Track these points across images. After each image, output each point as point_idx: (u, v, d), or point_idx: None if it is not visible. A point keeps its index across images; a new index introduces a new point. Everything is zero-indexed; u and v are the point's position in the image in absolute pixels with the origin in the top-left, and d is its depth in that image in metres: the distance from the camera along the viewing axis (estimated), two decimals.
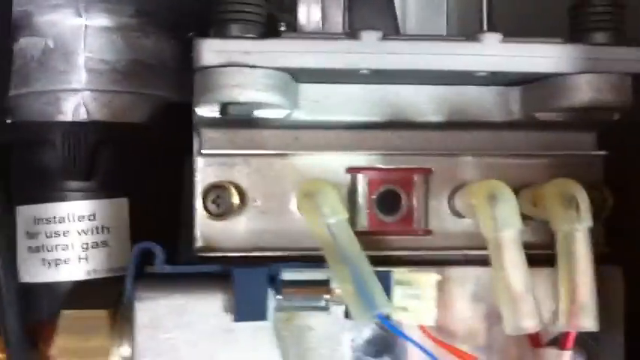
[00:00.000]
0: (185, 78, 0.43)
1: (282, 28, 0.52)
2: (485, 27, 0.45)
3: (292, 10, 0.53)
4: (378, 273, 0.38)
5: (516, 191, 0.41)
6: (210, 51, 0.38)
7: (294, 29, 0.53)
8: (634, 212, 0.46)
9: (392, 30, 0.56)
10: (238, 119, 0.40)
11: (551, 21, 0.46)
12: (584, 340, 0.42)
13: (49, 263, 0.48)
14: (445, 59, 0.39)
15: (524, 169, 0.43)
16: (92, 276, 0.47)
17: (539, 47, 0.40)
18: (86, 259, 0.48)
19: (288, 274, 0.38)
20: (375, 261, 0.40)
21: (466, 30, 0.63)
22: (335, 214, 0.38)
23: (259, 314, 0.37)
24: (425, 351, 0.38)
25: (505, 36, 0.40)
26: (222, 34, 0.39)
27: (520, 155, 0.43)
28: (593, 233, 0.41)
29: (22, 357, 0.42)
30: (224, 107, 0.39)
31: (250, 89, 0.38)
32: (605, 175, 0.44)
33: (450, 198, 0.43)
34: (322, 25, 0.54)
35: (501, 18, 0.49)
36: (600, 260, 0.42)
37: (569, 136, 0.43)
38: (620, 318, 0.43)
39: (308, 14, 0.52)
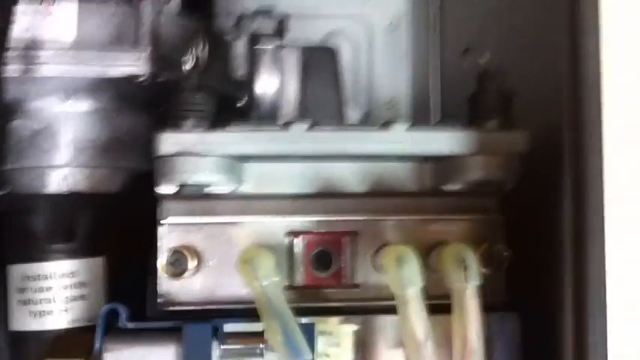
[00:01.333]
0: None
1: (240, 104, 0.58)
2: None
3: (250, 87, 0.57)
4: (303, 325, 0.43)
5: (430, 249, 0.47)
6: (167, 142, 0.44)
7: (251, 104, 0.57)
8: (531, 265, 0.50)
9: (337, 104, 0.63)
10: (193, 195, 0.46)
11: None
12: None
13: (35, 314, 0.51)
14: (359, 146, 0.45)
15: (437, 230, 0.48)
16: (73, 325, 0.50)
17: (438, 134, 0.46)
18: (66, 310, 0.51)
19: (229, 327, 0.43)
20: (311, 310, 0.45)
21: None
22: (268, 277, 0.43)
23: None
24: None
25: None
26: (176, 127, 0.45)
27: (433, 220, 0.48)
28: (495, 284, 0.47)
29: None
30: (179, 187, 0.45)
31: (200, 173, 0.44)
32: (507, 234, 0.48)
33: (374, 256, 0.48)
34: (279, 99, 0.58)
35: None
36: (501, 307, 0.47)
37: (475, 202, 0.48)
38: (516, 354, 0.47)
39: (265, 90, 0.58)
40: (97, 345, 0.43)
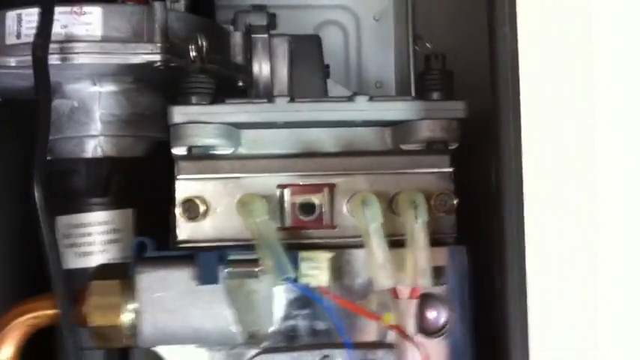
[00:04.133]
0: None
1: (240, 84, 0.67)
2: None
3: (248, 70, 0.66)
4: (289, 253, 0.50)
5: (392, 198, 0.55)
6: (178, 113, 0.53)
7: (250, 84, 0.66)
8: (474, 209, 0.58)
9: (320, 82, 0.72)
10: (201, 155, 0.54)
11: None
12: (441, 298, 0.54)
13: (79, 255, 0.59)
14: (331, 114, 0.54)
15: (398, 182, 0.55)
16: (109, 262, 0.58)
17: (393, 103, 0.54)
18: (104, 251, 0.59)
19: (232, 256, 0.51)
20: (297, 247, 0.52)
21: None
22: (260, 216, 0.51)
23: (213, 280, 0.50)
24: (315, 298, 0.52)
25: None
26: (185, 101, 0.53)
27: (394, 174, 0.55)
28: (446, 225, 0.55)
29: (69, 313, 0.51)
30: (189, 149, 0.53)
31: (204, 137, 0.52)
32: (455, 184, 0.56)
33: (347, 203, 0.55)
34: (272, 80, 0.67)
35: None
36: (451, 242, 0.55)
37: (428, 159, 0.56)
38: (466, 280, 0.55)
39: (260, 73, 0.66)
40: (131, 269, 0.51)
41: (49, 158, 0.59)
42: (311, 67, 0.70)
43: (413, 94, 0.75)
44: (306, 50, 0.71)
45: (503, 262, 0.50)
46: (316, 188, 0.55)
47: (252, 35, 0.66)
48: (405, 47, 0.92)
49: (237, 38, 0.65)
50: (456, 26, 0.76)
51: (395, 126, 0.56)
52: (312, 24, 0.94)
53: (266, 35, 0.67)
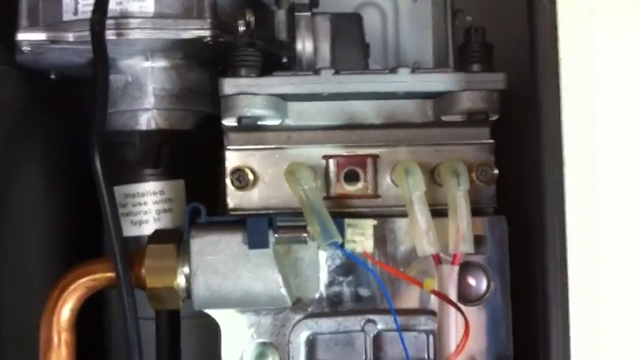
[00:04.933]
0: (217, 98, 0.55)
1: (284, 60, 0.67)
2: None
3: (292, 47, 0.67)
4: (335, 220, 0.51)
5: (434, 168, 0.56)
6: (228, 85, 0.54)
7: (294, 61, 0.67)
8: (516, 180, 0.59)
9: (361, 59, 0.73)
10: (250, 126, 0.55)
11: None
12: (482, 266, 0.56)
13: (135, 223, 0.60)
14: (374, 85, 0.55)
15: (439, 154, 0.56)
16: None
17: (435, 75, 0.55)
18: (159, 219, 0.60)
19: (280, 222, 0.53)
20: (343, 215, 0.53)
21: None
22: (307, 183, 0.52)
23: (263, 244, 0.52)
24: (361, 263, 0.53)
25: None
26: (235, 74, 0.54)
27: (437, 144, 0.56)
28: (487, 195, 0.56)
29: (126, 275, 0.52)
30: (239, 119, 0.55)
31: (253, 108, 0.54)
32: (496, 156, 0.57)
33: (391, 173, 0.56)
34: (315, 56, 0.68)
35: None
36: (493, 212, 0.56)
37: (469, 131, 0.56)
38: (506, 249, 0.56)
39: (303, 50, 0.68)
40: (184, 233, 0.53)
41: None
42: (352, 44, 0.71)
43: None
44: (348, 28, 0.71)
45: (543, 232, 0.51)
46: (360, 159, 0.56)
47: (296, 13, 0.68)
48: (442, 27, 0.92)
49: (280, 16, 0.67)
50: (491, 2, 0.76)
51: (436, 98, 0.57)
52: (350, 6, 0.95)
53: (309, 13, 0.68)
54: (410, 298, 0.56)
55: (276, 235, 0.53)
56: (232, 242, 0.53)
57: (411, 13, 0.95)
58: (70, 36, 0.59)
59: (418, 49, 0.95)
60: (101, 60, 0.55)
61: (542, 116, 0.50)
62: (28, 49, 0.60)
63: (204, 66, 0.64)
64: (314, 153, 0.56)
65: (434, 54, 0.95)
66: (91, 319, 0.58)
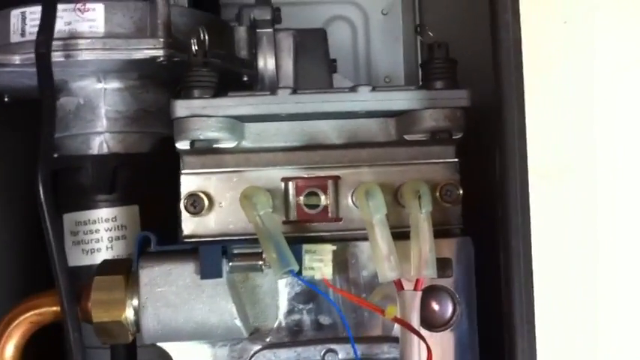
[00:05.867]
0: None
1: (245, 79, 0.66)
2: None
3: (253, 65, 0.65)
4: (292, 246, 0.49)
5: (397, 189, 0.54)
6: (181, 107, 0.52)
7: (255, 79, 0.65)
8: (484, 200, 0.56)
9: (326, 76, 0.71)
10: (204, 149, 0.53)
11: None
12: (447, 290, 0.53)
13: (86, 252, 0.58)
14: (334, 105, 0.53)
15: (403, 173, 0.54)
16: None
17: (397, 93, 0.53)
18: (111, 248, 0.58)
19: (235, 249, 0.50)
20: (303, 240, 0.51)
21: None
22: (263, 208, 0.50)
23: (216, 274, 0.50)
24: (319, 292, 0.51)
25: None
26: (187, 95, 0.52)
27: (400, 164, 0.54)
28: (452, 216, 0.53)
29: (72, 309, 0.50)
30: (192, 143, 0.52)
31: (207, 131, 0.52)
32: (462, 174, 0.55)
33: (352, 195, 0.54)
34: (277, 74, 0.66)
35: None
36: (457, 233, 0.54)
37: (433, 150, 0.55)
38: (472, 272, 0.54)
39: (265, 67, 0.65)
40: (134, 263, 0.51)
41: (55, 155, 0.59)
42: (317, 61, 0.69)
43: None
44: (312, 44, 0.70)
45: (508, 252, 0.49)
46: (321, 181, 0.54)
47: (257, 30, 0.66)
48: (413, 40, 0.90)
49: (241, 33, 0.65)
50: (460, 16, 0.75)
51: (399, 116, 0.55)
52: (320, 20, 0.93)
53: (271, 30, 0.66)
54: (373, 325, 0.54)
55: (231, 264, 0.51)
56: (184, 272, 0.51)
57: (382, 26, 0.94)
58: (17, 58, 0.57)
59: (389, 63, 0.94)
60: (47, 82, 0.53)
61: (506, 132, 0.48)
62: None
63: (161, 86, 0.62)
64: (273, 175, 0.54)
65: (405, 68, 0.93)
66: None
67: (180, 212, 0.54)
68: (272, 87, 0.66)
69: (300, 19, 0.83)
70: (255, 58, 0.65)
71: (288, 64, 0.67)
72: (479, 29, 0.62)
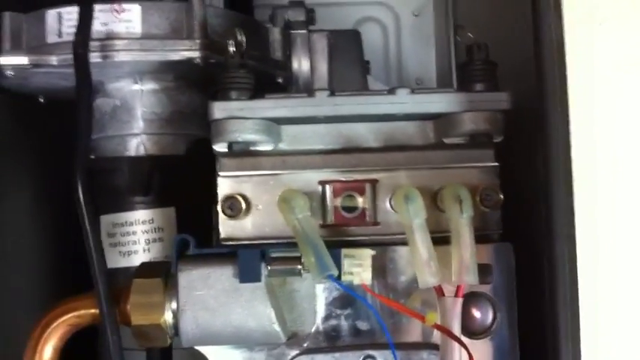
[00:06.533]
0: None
1: (279, 80, 0.65)
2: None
3: (287, 67, 0.64)
4: (331, 250, 0.49)
5: (436, 193, 0.53)
6: (218, 109, 0.52)
7: (290, 81, 0.64)
8: (523, 205, 0.56)
9: (360, 78, 0.70)
10: (241, 151, 0.53)
11: None
12: (487, 297, 0.52)
13: (123, 254, 0.58)
14: (372, 107, 0.52)
15: (441, 177, 0.53)
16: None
17: (435, 96, 0.52)
18: (148, 250, 0.58)
19: (273, 253, 0.50)
20: (340, 244, 0.51)
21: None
22: (301, 212, 0.49)
23: (255, 278, 0.49)
24: (359, 297, 0.50)
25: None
26: (225, 97, 0.52)
27: (438, 168, 0.53)
28: (492, 221, 0.52)
29: (110, 312, 0.50)
30: (230, 145, 0.52)
31: (244, 133, 0.51)
32: (501, 179, 0.53)
33: (390, 199, 0.53)
34: (312, 76, 0.65)
35: None
36: (498, 239, 0.53)
37: (472, 153, 0.53)
38: (513, 278, 0.53)
39: (300, 69, 0.64)
40: (173, 267, 0.50)
41: (92, 157, 0.60)
42: (351, 62, 0.68)
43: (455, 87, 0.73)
44: (346, 46, 0.69)
45: (552, 257, 0.47)
46: (358, 184, 0.53)
47: (291, 31, 0.65)
48: (445, 42, 0.89)
49: (275, 34, 0.64)
50: (492, 18, 0.73)
51: (437, 119, 0.54)
52: (350, 21, 0.92)
53: (305, 31, 0.65)
54: (411, 331, 0.53)
55: (269, 268, 0.50)
56: (223, 276, 0.50)
57: (413, 27, 0.92)
58: (54, 59, 0.57)
59: (421, 65, 0.93)
60: (84, 83, 0.52)
61: (549, 135, 0.47)
62: (12, 73, 0.58)
63: (196, 88, 0.61)
64: (310, 178, 0.53)
65: (437, 70, 0.92)
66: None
67: (216, 215, 0.53)
68: (307, 89, 0.65)
69: (330, 21, 0.82)
70: (290, 59, 0.65)
71: (322, 66, 0.66)
72: (512, 31, 0.62)
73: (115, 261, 0.59)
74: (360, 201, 0.53)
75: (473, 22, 0.85)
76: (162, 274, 0.51)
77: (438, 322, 0.50)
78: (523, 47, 0.54)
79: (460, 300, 0.50)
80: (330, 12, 0.88)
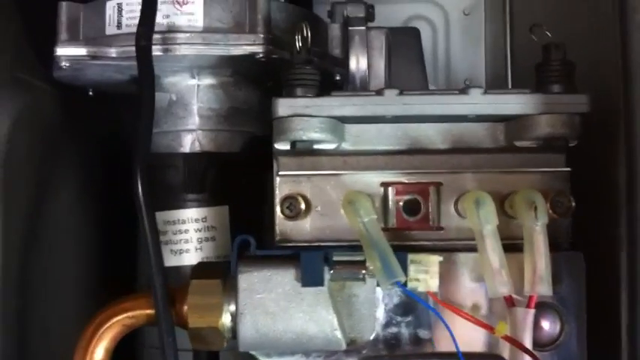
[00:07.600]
0: (266, 118, 0.52)
1: (337, 78, 0.63)
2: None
3: (345, 64, 0.62)
4: (397, 255, 0.47)
5: (504, 199, 0.51)
6: (283, 106, 0.50)
7: (345, 79, 0.62)
8: (596, 212, 0.55)
9: (420, 78, 0.68)
10: (304, 150, 0.52)
11: None
12: (555, 307, 0.51)
13: (175, 252, 0.57)
14: (443, 107, 0.50)
15: (510, 182, 0.51)
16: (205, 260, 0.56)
17: (510, 97, 0.50)
18: (200, 249, 0.57)
19: (336, 256, 0.48)
20: (402, 249, 0.49)
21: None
22: (367, 215, 0.48)
23: (318, 282, 0.48)
24: (427, 306, 0.49)
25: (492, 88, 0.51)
26: (290, 94, 0.50)
27: (507, 173, 0.51)
28: (562, 228, 0.51)
29: (167, 313, 0.49)
30: (293, 143, 0.51)
31: (310, 131, 0.50)
32: (572, 185, 0.51)
33: (455, 203, 0.52)
34: (368, 74, 0.63)
35: None
36: (568, 247, 0.51)
37: (543, 157, 0.51)
38: (583, 289, 0.51)
39: (357, 67, 0.62)
40: (232, 268, 0.49)
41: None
42: (410, 61, 0.67)
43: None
44: (405, 44, 0.67)
45: (634, 269, 0.45)
46: (422, 187, 0.52)
47: (350, 27, 0.63)
48: (500, 42, 0.87)
49: (335, 30, 0.62)
50: (548, 18, 0.71)
51: (509, 121, 0.52)
52: (399, 19, 0.90)
53: (363, 28, 0.63)
54: (475, 341, 0.51)
55: (332, 272, 0.49)
56: (284, 279, 0.49)
57: (463, 27, 0.90)
58: (113, 51, 0.55)
59: (470, 66, 0.91)
60: (147, 77, 0.51)
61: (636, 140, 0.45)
62: (67, 64, 0.57)
63: (253, 84, 0.60)
64: (372, 180, 0.52)
65: (487, 71, 0.90)
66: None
67: (269, 215, 0.52)
68: (363, 87, 0.63)
69: (379, 18, 0.80)
70: (347, 56, 0.63)
71: (379, 64, 0.64)
72: (572, 31, 0.59)
73: (166, 259, 0.56)
74: (423, 204, 0.52)
75: (527, 25, 0.82)
76: (219, 275, 0.50)
77: (508, 334, 0.48)
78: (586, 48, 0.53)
79: (532, 311, 0.48)
80: (378, 10, 0.86)
